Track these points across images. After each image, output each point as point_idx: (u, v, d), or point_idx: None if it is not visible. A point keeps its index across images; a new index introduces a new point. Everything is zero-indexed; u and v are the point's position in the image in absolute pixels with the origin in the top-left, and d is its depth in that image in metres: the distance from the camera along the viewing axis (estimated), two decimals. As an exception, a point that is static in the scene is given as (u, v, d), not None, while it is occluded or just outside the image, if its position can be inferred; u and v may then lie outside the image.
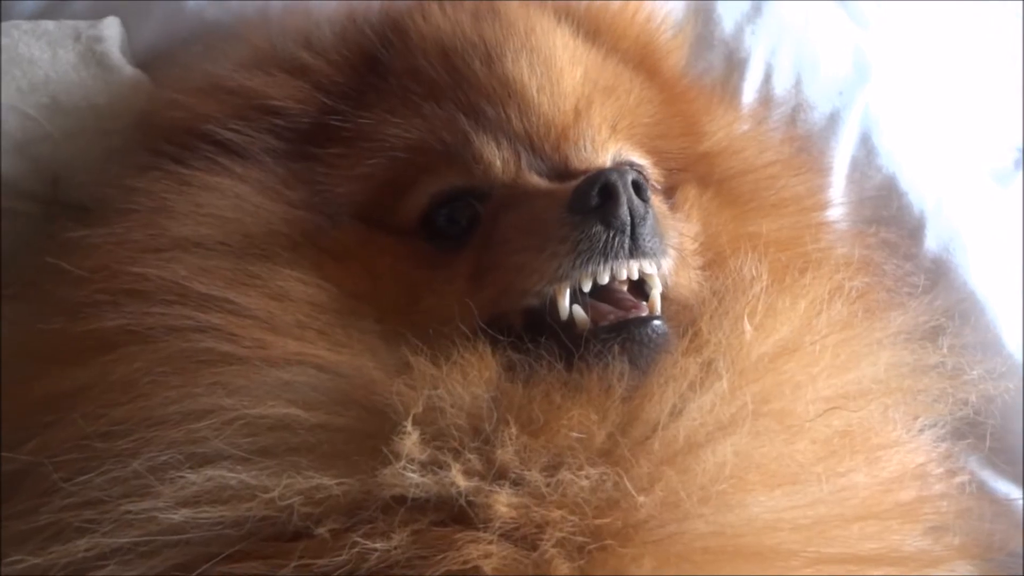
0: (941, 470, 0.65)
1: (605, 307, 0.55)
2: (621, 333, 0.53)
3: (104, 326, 0.54)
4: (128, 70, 0.75)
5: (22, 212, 0.70)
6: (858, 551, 0.53)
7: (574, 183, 0.56)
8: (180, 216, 0.58)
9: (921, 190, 0.83)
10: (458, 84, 0.61)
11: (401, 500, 0.48)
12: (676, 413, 0.52)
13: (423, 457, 0.48)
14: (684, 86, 0.74)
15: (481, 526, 0.48)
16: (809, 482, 0.54)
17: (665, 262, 0.57)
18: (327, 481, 0.48)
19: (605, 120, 0.62)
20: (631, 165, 0.63)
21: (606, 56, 0.68)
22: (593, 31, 0.69)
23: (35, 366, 0.56)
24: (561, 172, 0.59)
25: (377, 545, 0.47)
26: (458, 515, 0.49)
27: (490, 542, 0.47)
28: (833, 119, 0.84)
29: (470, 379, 0.51)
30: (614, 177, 0.54)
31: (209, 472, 0.49)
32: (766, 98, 0.83)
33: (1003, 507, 0.75)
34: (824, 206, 0.77)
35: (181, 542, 0.49)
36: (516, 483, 0.49)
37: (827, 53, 0.86)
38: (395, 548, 0.47)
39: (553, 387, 0.51)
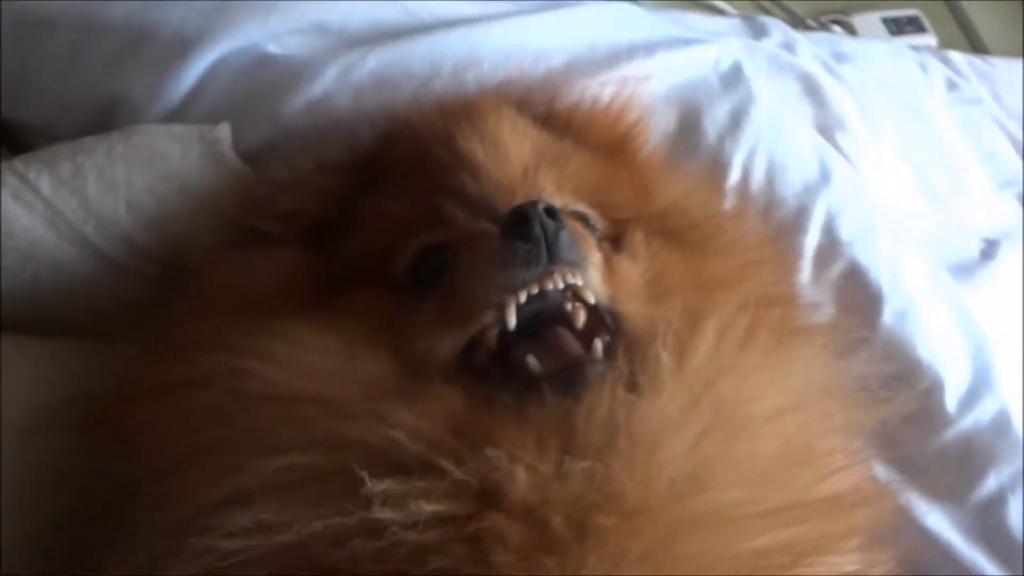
0: (877, 485, 0.77)
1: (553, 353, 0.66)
2: (568, 376, 0.65)
3: (180, 372, 0.68)
4: (238, 164, 0.95)
5: (147, 273, 0.90)
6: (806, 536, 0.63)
7: None
8: (232, 287, 0.77)
9: (879, 271, 0.98)
10: (432, 167, 0.77)
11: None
12: (629, 418, 0.62)
13: (391, 490, 0.59)
14: (639, 162, 0.88)
15: (501, 508, 0.58)
16: (757, 480, 0.63)
17: (590, 274, 0.68)
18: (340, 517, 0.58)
19: (550, 181, 0.75)
20: (575, 212, 0.75)
21: (561, 137, 0.82)
22: (550, 118, 0.85)
23: (131, 397, 0.71)
24: None
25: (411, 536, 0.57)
26: (481, 501, 0.58)
27: (510, 519, 0.57)
28: (800, 213, 0.99)
29: (426, 411, 0.62)
30: (526, 205, 0.67)
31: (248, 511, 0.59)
32: (744, 195, 0.99)
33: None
34: (771, 252, 0.88)
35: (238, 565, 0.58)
36: (525, 472, 0.59)
37: (794, 159, 1.02)
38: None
39: (513, 411, 0.62)
